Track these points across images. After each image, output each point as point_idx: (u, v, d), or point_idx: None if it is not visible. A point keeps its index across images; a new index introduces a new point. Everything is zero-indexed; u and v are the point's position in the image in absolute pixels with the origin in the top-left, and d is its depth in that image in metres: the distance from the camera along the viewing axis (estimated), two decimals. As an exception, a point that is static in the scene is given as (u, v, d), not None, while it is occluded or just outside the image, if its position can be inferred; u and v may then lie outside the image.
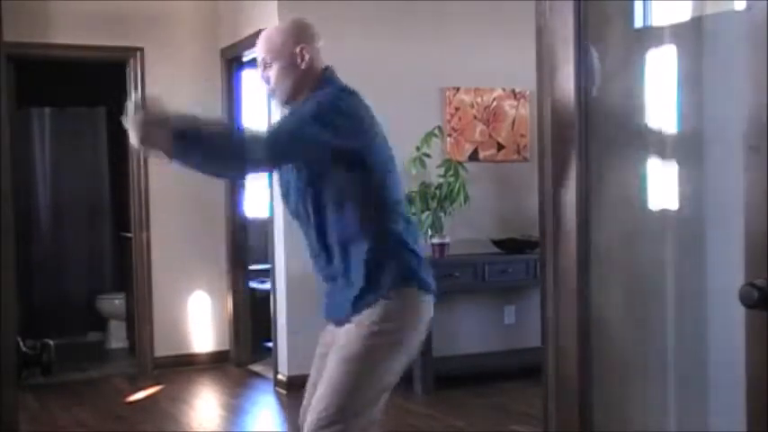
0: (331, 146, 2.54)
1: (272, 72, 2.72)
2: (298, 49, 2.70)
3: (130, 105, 2.33)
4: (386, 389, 2.67)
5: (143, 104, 2.32)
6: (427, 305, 2.73)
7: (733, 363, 1.68)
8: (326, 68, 2.76)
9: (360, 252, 2.63)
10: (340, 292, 2.68)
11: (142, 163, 6.64)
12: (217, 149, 2.43)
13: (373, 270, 2.62)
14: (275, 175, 3.00)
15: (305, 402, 2.77)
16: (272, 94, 2.77)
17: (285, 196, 2.82)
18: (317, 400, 2.60)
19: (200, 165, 2.48)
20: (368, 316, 2.61)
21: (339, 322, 2.71)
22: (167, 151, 2.37)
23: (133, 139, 2.33)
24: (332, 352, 2.67)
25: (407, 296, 2.66)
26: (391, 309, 2.62)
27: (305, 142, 2.53)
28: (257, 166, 2.73)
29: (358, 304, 2.62)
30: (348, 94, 2.69)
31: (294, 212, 2.78)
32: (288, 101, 2.75)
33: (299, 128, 2.53)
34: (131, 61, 6.64)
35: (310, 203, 2.67)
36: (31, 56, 6.33)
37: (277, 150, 2.51)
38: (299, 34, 2.73)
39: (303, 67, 2.70)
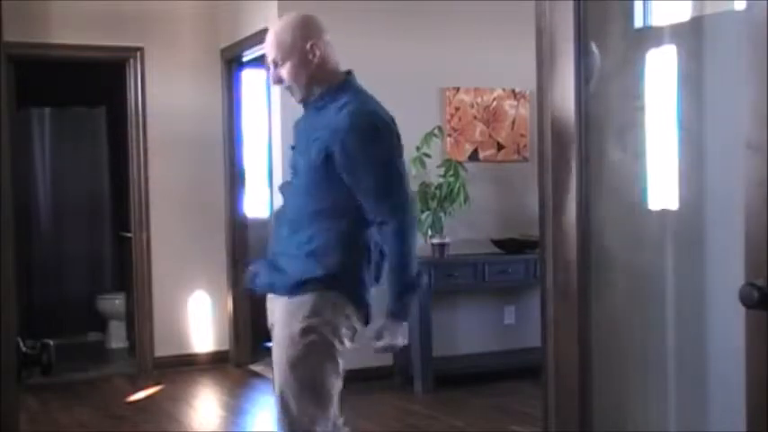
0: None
1: (285, 70, 2.71)
2: (309, 45, 2.70)
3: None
4: (333, 379, 2.70)
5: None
6: (351, 318, 2.74)
7: (733, 362, 1.68)
8: (349, 72, 2.79)
9: (318, 244, 2.68)
10: (278, 269, 2.73)
11: (142, 163, 6.65)
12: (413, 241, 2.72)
13: (321, 265, 2.67)
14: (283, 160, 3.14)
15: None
16: (288, 92, 2.78)
17: (288, 176, 2.89)
18: (277, 407, 2.69)
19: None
20: (298, 307, 2.65)
21: (271, 292, 2.78)
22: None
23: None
24: (273, 339, 2.73)
25: (336, 301, 2.70)
26: (320, 306, 2.66)
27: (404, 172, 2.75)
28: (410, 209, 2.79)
29: (292, 287, 2.67)
30: (380, 107, 2.74)
31: (288, 180, 2.87)
32: (305, 98, 2.75)
33: (400, 176, 2.73)
34: (131, 61, 6.64)
35: (305, 184, 2.73)
36: (31, 56, 6.32)
37: (406, 199, 2.74)
38: (308, 29, 2.72)
39: (316, 61, 2.70)
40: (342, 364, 2.72)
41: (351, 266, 2.69)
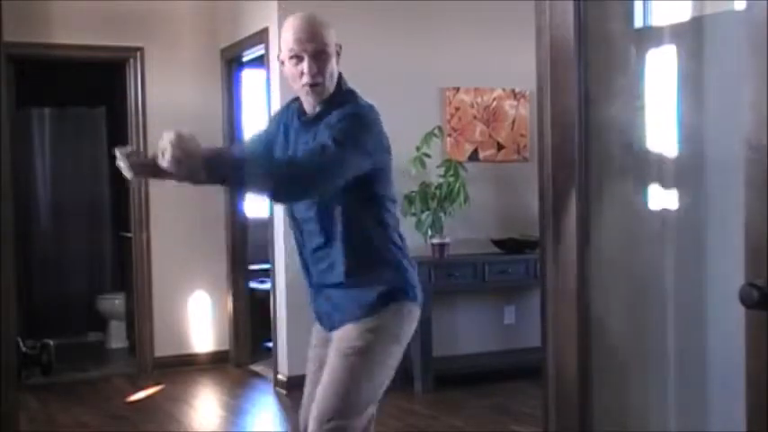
0: (365, 170, 2.56)
1: (328, 65, 2.60)
2: (339, 48, 2.68)
3: (164, 143, 2.30)
4: (383, 385, 2.68)
5: (177, 141, 2.29)
6: (415, 315, 2.74)
7: (733, 363, 1.68)
8: (341, 75, 2.71)
9: (366, 262, 2.65)
10: (343, 296, 2.68)
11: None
12: (266, 182, 2.46)
13: (379, 278, 2.65)
14: None
15: (305, 402, 2.78)
16: (314, 88, 2.61)
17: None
18: (319, 400, 2.61)
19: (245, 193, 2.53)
20: (366, 320, 2.64)
21: (334, 326, 2.72)
22: (197, 181, 2.36)
23: (171, 166, 2.30)
24: (331, 350, 2.67)
25: (401, 307, 2.68)
26: (387, 315, 2.65)
27: (346, 174, 2.51)
28: (301, 196, 2.60)
29: (364, 309, 2.63)
30: (376, 114, 2.66)
31: (300, 216, 2.76)
32: (323, 98, 2.65)
33: (342, 162, 2.49)
34: (131, 61, 6.64)
35: (323, 213, 2.65)
36: (31, 56, 6.33)
37: (321, 185, 2.51)
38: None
39: (338, 64, 2.68)
40: (385, 387, 2.71)
41: (399, 272, 2.68)
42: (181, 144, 2.27)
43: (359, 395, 2.59)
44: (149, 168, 2.44)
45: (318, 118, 2.66)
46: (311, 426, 2.61)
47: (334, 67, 2.64)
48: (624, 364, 2.15)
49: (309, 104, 2.69)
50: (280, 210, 5.78)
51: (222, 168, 2.40)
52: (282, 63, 2.68)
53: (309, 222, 2.69)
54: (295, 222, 2.76)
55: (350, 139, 2.50)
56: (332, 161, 2.47)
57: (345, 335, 2.65)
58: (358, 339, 2.61)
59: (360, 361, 2.60)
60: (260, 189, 2.56)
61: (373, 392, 2.64)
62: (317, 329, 2.83)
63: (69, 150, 8.00)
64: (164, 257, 6.70)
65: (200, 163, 2.31)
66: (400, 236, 2.76)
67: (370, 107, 2.67)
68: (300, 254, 2.78)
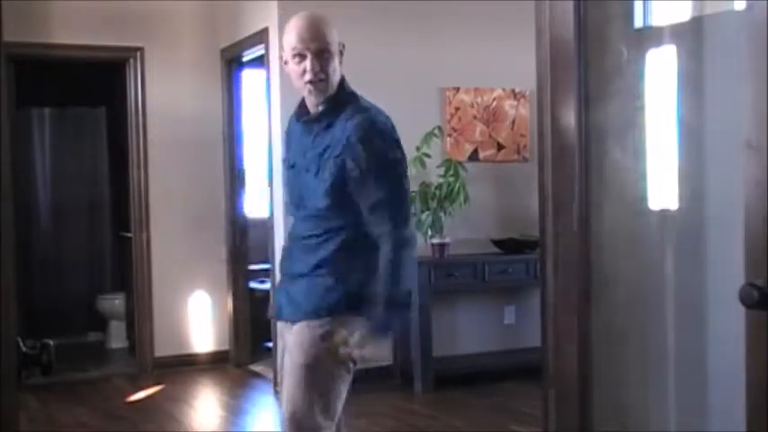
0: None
1: (330, 63, 2.62)
2: (342, 48, 2.68)
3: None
4: (342, 386, 2.69)
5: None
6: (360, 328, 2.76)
7: (733, 363, 1.68)
8: (343, 77, 2.72)
9: (344, 267, 2.66)
10: (304, 292, 2.69)
11: (142, 163, 6.65)
12: (407, 266, 2.64)
13: (346, 284, 2.65)
14: (281, 177, 3.01)
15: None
16: (317, 85, 2.63)
17: (294, 198, 2.80)
18: (286, 401, 2.66)
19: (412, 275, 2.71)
20: (319, 323, 2.65)
21: (292, 321, 2.74)
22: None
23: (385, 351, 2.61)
24: (287, 351, 2.71)
25: (355, 318, 2.68)
26: (339, 322, 2.65)
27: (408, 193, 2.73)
28: (411, 227, 2.74)
29: (316, 311, 2.65)
30: (381, 114, 2.69)
31: (296, 202, 2.78)
32: (326, 96, 2.67)
33: (406, 193, 2.70)
34: (131, 61, 6.64)
35: (324, 205, 2.66)
36: (31, 56, 6.33)
37: (408, 216, 2.70)
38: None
39: (341, 63, 2.69)
40: (351, 375, 2.72)
41: (370, 282, 2.68)
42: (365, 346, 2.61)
43: (320, 400, 2.62)
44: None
45: (323, 116, 2.66)
46: (284, 426, 2.66)
47: (336, 65, 2.65)
48: (624, 364, 2.15)
49: (312, 103, 2.70)
50: (280, 210, 5.78)
51: (392, 309, 2.61)
52: (286, 63, 2.69)
53: (311, 218, 2.70)
54: (298, 211, 2.78)
55: (396, 168, 2.65)
56: (406, 196, 2.69)
57: (299, 339, 2.66)
58: (310, 347, 2.62)
59: (309, 371, 2.62)
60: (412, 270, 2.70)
61: (334, 394, 2.65)
62: (279, 325, 2.87)
63: (69, 150, 8.00)
64: (164, 257, 6.70)
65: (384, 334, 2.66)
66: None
67: (377, 110, 2.69)
68: (292, 240, 2.80)
